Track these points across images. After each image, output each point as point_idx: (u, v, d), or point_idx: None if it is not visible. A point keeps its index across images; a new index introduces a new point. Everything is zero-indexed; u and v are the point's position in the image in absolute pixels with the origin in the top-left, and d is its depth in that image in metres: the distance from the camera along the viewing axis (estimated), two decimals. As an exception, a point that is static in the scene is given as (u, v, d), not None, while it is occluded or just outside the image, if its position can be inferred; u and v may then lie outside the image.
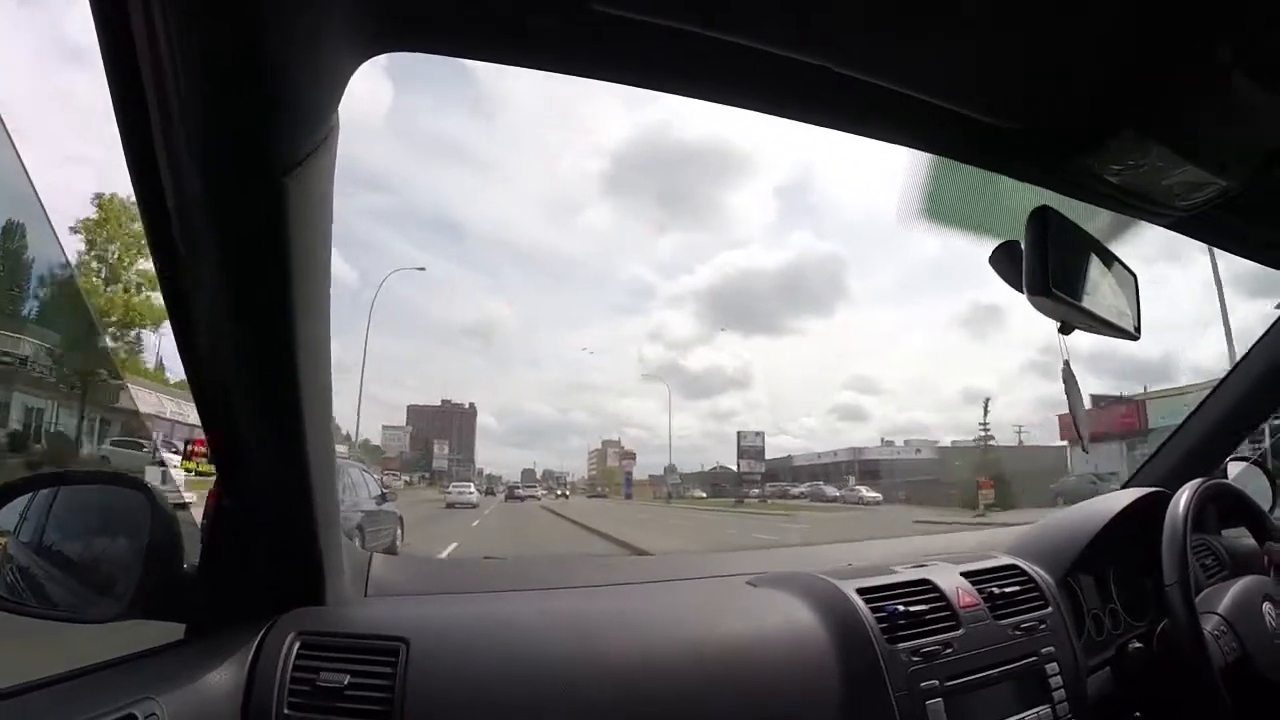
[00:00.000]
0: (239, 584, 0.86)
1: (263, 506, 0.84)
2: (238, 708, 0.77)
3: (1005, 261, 0.77)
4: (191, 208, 0.56)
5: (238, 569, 0.86)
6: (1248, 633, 1.09)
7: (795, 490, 39.98)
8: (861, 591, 1.00)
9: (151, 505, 0.83)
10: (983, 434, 33.85)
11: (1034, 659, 1.05)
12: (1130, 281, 0.88)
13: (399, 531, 8.60)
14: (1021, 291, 0.73)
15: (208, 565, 0.86)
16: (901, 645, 0.95)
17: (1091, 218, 0.85)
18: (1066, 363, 0.84)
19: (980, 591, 1.08)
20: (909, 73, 0.64)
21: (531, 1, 0.55)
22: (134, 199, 0.57)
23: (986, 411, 34.37)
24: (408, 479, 44.29)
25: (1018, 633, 1.06)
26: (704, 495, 44.15)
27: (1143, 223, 0.89)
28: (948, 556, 1.21)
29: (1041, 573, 1.17)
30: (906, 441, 44.63)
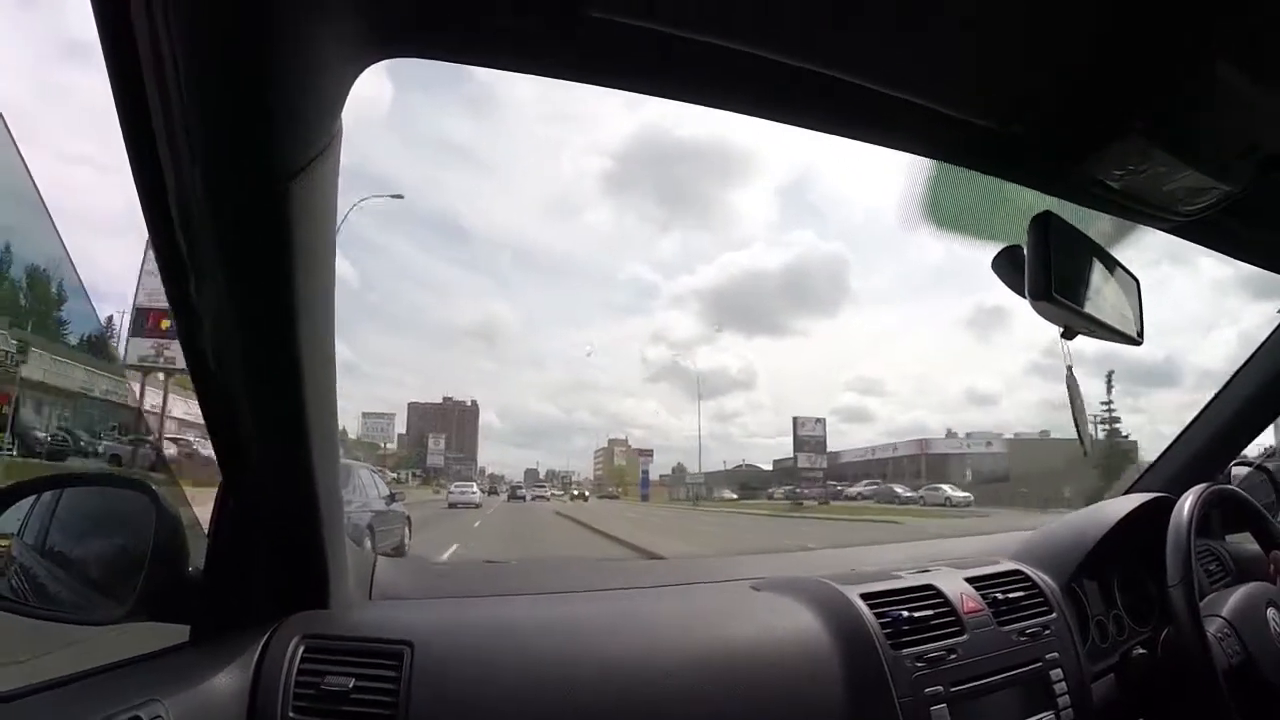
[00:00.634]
0: (244, 587, 0.86)
1: (268, 509, 0.84)
2: (242, 711, 0.77)
3: (1008, 266, 0.77)
4: (195, 213, 0.56)
5: (243, 572, 0.87)
6: (1252, 638, 1.09)
7: (852, 490, 34.49)
8: (866, 597, 1.00)
9: (156, 507, 0.83)
10: (1106, 414, 27.45)
11: (1038, 665, 1.04)
12: (1133, 286, 0.88)
13: (407, 531, 8.87)
14: (1024, 297, 0.73)
15: (213, 568, 0.87)
16: (906, 651, 0.95)
17: (1094, 223, 0.85)
18: (1070, 368, 0.84)
19: (984, 597, 1.08)
20: (910, 78, 0.65)
21: (530, 9, 0.55)
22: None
23: (1110, 388, 28.40)
24: (396, 476, 39.94)
25: (1022, 638, 1.06)
26: (734, 496, 40.90)
27: (1145, 228, 0.89)
28: (952, 562, 1.21)
29: (1046, 578, 1.17)
30: (969, 434, 39.33)
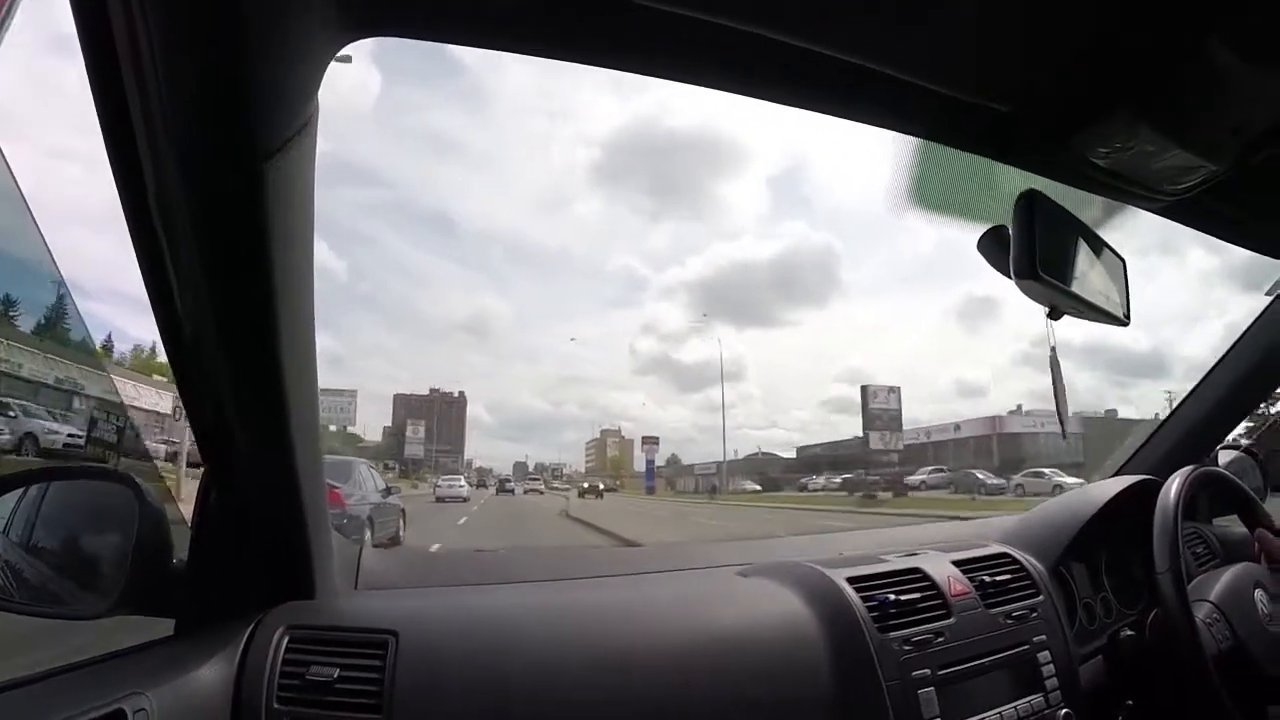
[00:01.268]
0: (228, 578, 0.86)
1: (251, 500, 0.84)
2: (227, 702, 0.77)
3: (993, 246, 0.77)
4: (171, 196, 0.56)
5: (227, 563, 0.86)
6: (1240, 620, 1.10)
7: (914, 478, 28.18)
8: (852, 580, 1.00)
9: (140, 500, 0.82)
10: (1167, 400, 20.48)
11: (1026, 647, 1.05)
12: (1119, 267, 0.88)
13: (402, 522, 9.45)
14: (1009, 276, 0.73)
15: (197, 560, 0.86)
16: (893, 634, 0.95)
17: (1081, 205, 0.84)
18: (1053, 349, 0.84)
19: (971, 580, 1.08)
20: (895, 54, 0.64)
21: None
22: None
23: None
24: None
25: (1009, 621, 1.06)
26: (756, 487, 35.87)
27: (1132, 209, 0.89)
28: (939, 545, 1.21)
29: (1033, 561, 1.18)
30: (1027, 411, 32.59)
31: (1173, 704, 1.09)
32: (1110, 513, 1.28)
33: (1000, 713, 0.97)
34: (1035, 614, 1.09)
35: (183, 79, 0.49)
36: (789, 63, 0.62)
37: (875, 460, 29.36)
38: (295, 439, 0.77)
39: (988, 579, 1.09)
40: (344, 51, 0.57)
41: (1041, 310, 0.80)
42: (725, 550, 1.38)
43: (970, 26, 0.62)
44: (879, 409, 29.58)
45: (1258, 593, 1.15)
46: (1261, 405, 1.61)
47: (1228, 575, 1.16)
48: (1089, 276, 0.80)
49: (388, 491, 9.64)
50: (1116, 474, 1.57)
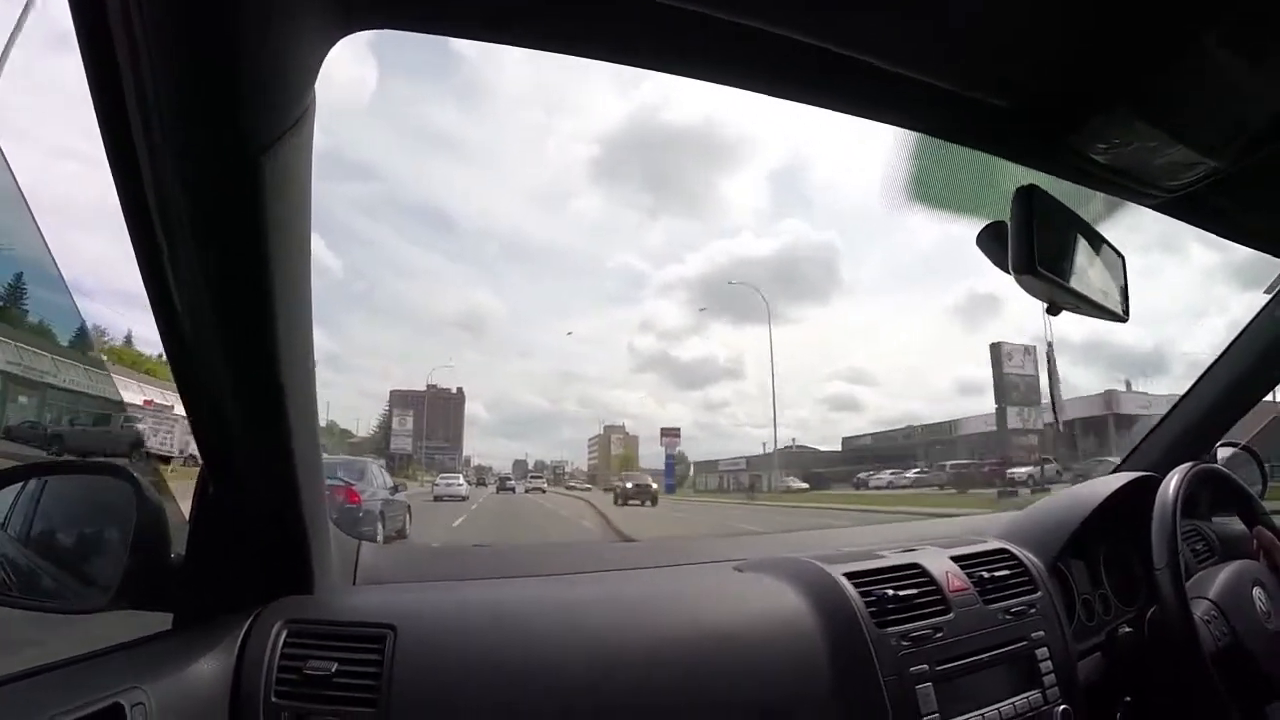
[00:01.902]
0: (226, 573, 0.86)
1: (249, 494, 0.83)
2: (225, 696, 0.77)
3: (991, 242, 0.76)
4: (168, 189, 0.55)
5: (225, 558, 0.86)
6: (1238, 617, 1.10)
7: (1020, 472, 21.12)
8: (850, 576, 1.00)
9: (138, 495, 0.82)
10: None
11: (1024, 643, 1.05)
12: (1118, 263, 0.88)
13: (408, 517, 10.25)
14: (1008, 272, 0.72)
15: (195, 554, 0.86)
16: (891, 630, 0.95)
17: (1080, 201, 0.84)
18: (1050, 345, 0.84)
19: (970, 576, 1.08)
20: (895, 49, 0.64)
21: None
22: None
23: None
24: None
25: (1007, 617, 1.06)
26: (804, 485, 30.56)
27: (1132, 206, 0.89)
28: (937, 541, 1.21)
29: (1032, 557, 1.18)
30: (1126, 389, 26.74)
31: (1171, 701, 1.09)
32: (1109, 509, 1.27)
33: (998, 709, 0.97)
34: (1034, 610, 1.09)
35: (179, 69, 0.49)
36: (788, 57, 0.62)
37: (1012, 444, 22.35)
38: (294, 433, 0.77)
39: (986, 575, 1.09)
40: (341, 43, 0.57)
41: (1042, 314, 0.80)
42: (722, 545, 1.38)
43: (970, 21, 0.62)
44: (1015, 374, 21.78)
45: (1256, 590, 1.15)
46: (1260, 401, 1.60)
47: (1226, 572, 1.17)
48: (1088, 272, 0.80)
49: (395, 489, 10.32)
50: (1116, 470, 1.57)
